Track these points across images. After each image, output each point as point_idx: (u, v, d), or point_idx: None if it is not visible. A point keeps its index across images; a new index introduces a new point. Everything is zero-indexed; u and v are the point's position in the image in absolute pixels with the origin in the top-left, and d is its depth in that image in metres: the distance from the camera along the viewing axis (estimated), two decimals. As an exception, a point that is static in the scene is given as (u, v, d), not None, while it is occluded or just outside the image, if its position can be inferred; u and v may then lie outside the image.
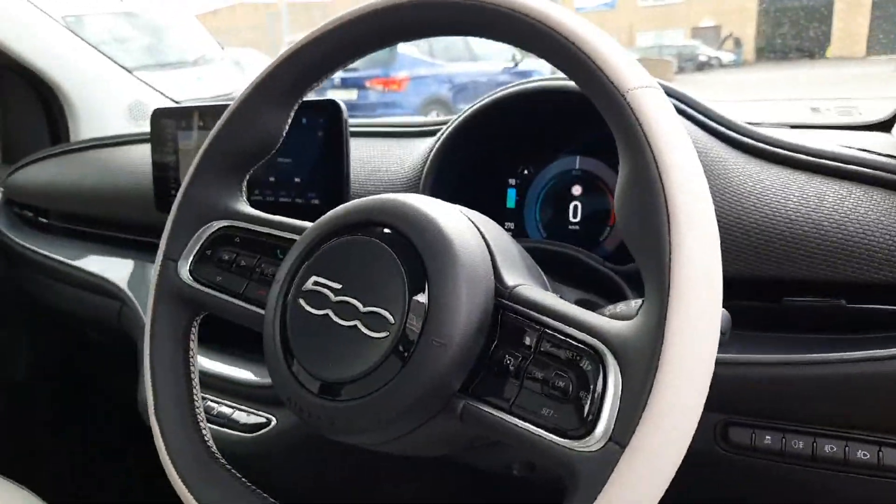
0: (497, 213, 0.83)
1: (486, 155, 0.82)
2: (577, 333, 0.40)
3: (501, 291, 0.44)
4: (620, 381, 0.36)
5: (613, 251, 0.76)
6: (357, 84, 7.18)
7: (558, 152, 0.80)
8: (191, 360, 0.58)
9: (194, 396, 0.57)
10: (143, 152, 1.14)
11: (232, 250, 0.57)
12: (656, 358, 0.34)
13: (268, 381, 0.84)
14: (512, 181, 0.83)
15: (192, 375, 0.57)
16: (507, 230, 0.84)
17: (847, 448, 0.56)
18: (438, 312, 0.41)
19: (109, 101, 1.46)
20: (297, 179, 0.83)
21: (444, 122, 0.84)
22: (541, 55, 0.44)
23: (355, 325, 0.44)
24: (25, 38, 1.32)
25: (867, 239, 0.57)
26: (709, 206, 0.37)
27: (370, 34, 0.51)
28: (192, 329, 0.59)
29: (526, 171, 0.82)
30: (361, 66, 7.21)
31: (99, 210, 1.16)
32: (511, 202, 0.84)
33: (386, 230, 0.46)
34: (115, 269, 1.11)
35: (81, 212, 1.20)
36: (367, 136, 0.93)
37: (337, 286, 0.46)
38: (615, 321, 0.39)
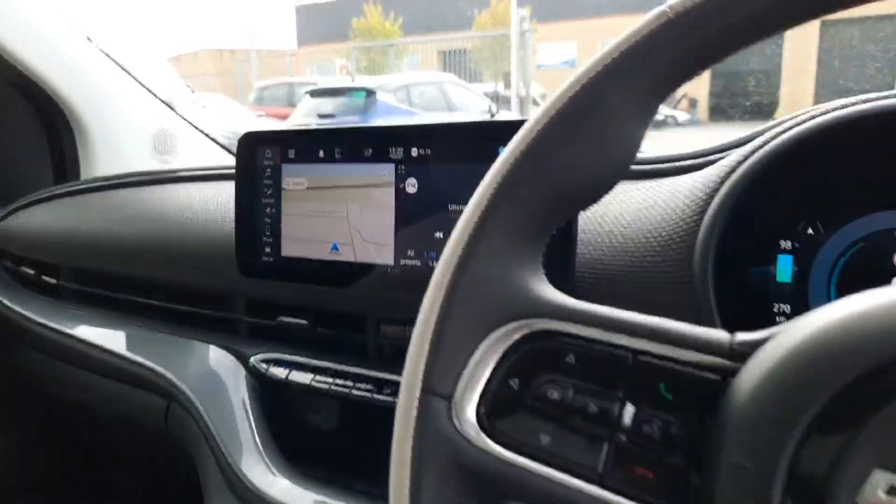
0: (759, 288, 0.58)
1: (758, 206, 0.57)
2: None
3: None
4: None
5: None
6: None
7: (865, 205, 0.56)
8: None
9: None
10: (200, 195, 0.86)
11: (562, 381, 0.30)
12: None
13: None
14: (786, 244, 0.58)
15: None
16: (779, 315, 0.59)
17: None
18: None
19: (132, 130, 1.17)
20: (487, 236, 0.56)
21: (702, 156, 0.59)
22: None
23: None
24: (32, 42, 1.04)
25: None
26: None
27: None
28: None
29: (811, 231, 0.58)
30: (338, 113, 7.05)
31: (134, 269, 0.86)
32: (785, 274, 0.58)
33: None
34: (158, 351, 0.81)
35: (106, 270, 0.90)
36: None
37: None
38: None
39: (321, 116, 7.00)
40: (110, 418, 0.89)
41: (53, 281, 0.96)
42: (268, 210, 0.68)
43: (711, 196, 0.53)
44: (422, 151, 0.59)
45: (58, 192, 1.03)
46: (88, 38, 1.12)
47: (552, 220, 0.33)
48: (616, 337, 0.30)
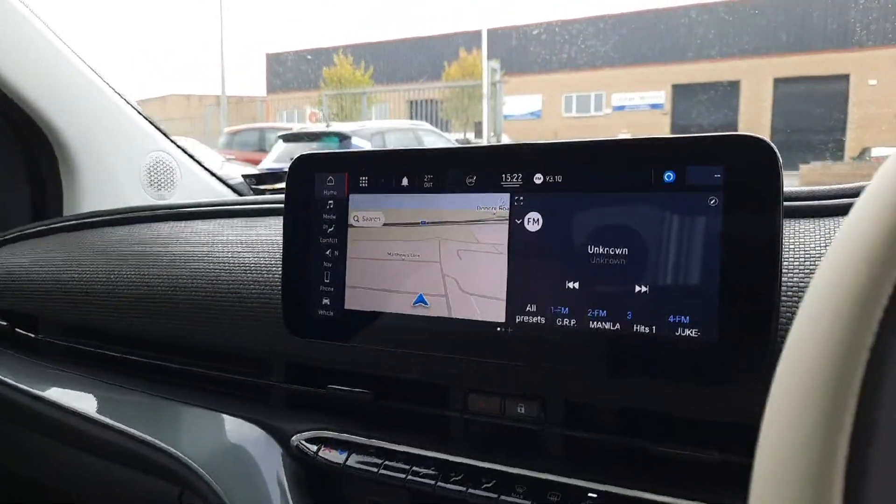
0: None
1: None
2: None
3: None
4: None
5: None
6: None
7: None
8: None
9: None
10: (221, 233, 0.71)
11: None
12: None
13: None
14: None
15: None
16: None
17: None
18: None
19: (124, 160, 1.02)
20: (641, 288, 0.43)
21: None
22: None
23: None
24: (9, 56, 0.89)
25: None
26: None
27: None
28: None
29: None
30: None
31: (133, 322, 0.71)
32: None
33: None
34: (166, 424, 0.65)
35: (97, 323, 0.74)
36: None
37: None
38: None
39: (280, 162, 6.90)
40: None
41: (31, 335, 0.79)
42: (328, 252, 0.54)
43: None
44: (550, 178, 0.46)
45: (37, 229, 0.88)
46: (74, 53, 0.98)
47: None
48: None
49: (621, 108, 21.57)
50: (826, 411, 0.18)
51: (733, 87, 18.34)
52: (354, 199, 0.53)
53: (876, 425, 0.17)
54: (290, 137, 7.45)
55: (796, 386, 0.19)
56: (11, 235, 0.88)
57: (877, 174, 0.21)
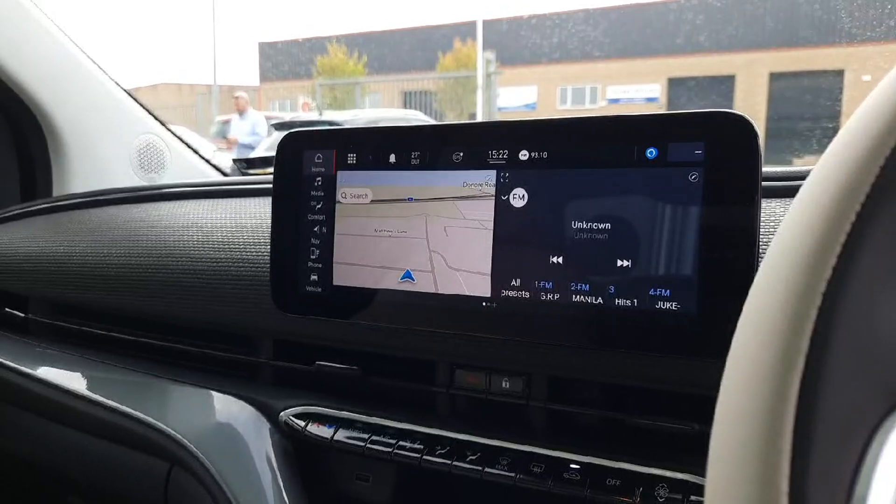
0: None
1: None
2: None
3: None
4: None
5: None
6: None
7: None
8: None
9: None
10: (208, 213, 0.71)
11: None
12: None
13: None
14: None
15: None
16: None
17: None
18: None
19: (114, 142, 1.02)
20: (622, 262, 0.44)
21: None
22: None
23: None
24: (4, 39, 0.89)
25: None
26: None
27: None
28: None
29: None
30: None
31: (121, 300, 0.71)
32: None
33: None
34: (155, 400, 0.66)
35: (86, 301, 0.75)
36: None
37: None
38: None
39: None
40: (92, 488, 0.72)
41: (21, 315, 0.79)
42: (316, 229, 0.55)
43: None
44: (535, 154, 0.47)
45: (26, 209, 0.88)
46: (65, 35, 0.97)
47: None
48: None
49: (616, 100, 21.55)
50: (780, 352, 0.19)
51: (728, 81, 18.36)
52: (342, 175, 0.54)
53: (825, 365, 0.18)
54: (282, 126, 7.42)
55: (755, 329, 0.20)
56: (2, 216, 0.88)
57: (833, 141, 0.22)
